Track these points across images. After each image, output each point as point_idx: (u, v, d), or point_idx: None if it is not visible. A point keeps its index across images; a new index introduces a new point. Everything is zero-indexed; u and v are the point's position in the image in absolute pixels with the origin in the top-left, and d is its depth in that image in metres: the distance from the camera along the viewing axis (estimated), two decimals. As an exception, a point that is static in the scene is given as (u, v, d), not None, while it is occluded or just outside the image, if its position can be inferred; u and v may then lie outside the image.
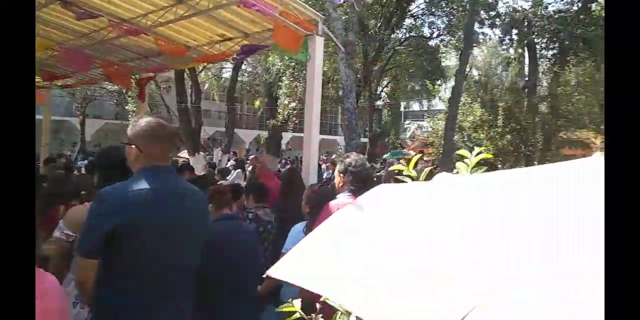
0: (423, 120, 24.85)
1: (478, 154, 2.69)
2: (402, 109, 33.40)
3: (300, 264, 1.30)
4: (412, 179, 2.76)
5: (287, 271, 1.28)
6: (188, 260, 2.24)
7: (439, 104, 24.04)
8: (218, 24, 7.07)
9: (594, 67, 14.02)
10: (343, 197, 3.27)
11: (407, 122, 35.28)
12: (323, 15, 6.77)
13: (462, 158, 2.50)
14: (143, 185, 2.08)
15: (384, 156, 20.25)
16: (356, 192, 3.17)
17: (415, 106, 33.17)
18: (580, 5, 12.88)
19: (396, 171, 2.60)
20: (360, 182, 3.35)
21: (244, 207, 4.79)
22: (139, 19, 7.30)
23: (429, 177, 2.87)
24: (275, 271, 1.28)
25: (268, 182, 5.21)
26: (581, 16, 12.46)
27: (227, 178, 10.07)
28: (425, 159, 14.98)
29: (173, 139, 2.34)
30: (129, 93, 21.28)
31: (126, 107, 25.78)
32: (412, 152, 20.41)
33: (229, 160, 16.68)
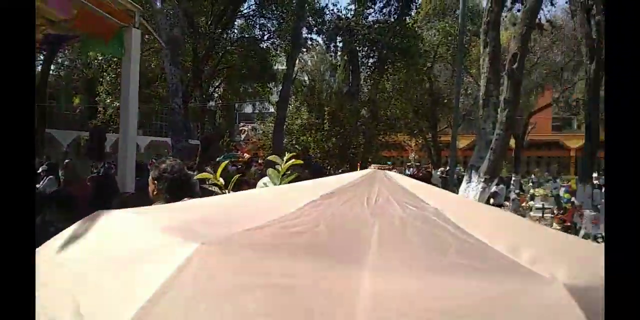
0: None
1: (288, 160, 2.63)
2: (236, 111, 33.26)
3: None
4: (220, 187, 2.59)
5: None
6: None
7: (272, 107, 24.44)
8: (15, 8, 6.09)
9: (407, 75, 15.48)
10: (158, 207, 2.97)
11: (241, 124, 35.25)
12: (149, 8, 6.27)
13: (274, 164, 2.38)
14: None
15: (217, 159, 19.88)
16: (172, 200, 2.90)
17: (250, 108, 33.33)
18: (396, 17, 14.05)
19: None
20: (177, 190, 3.08)
21: (44, 221, 4.18)
22: None
23: (237, 184, 2.71)
24: None
25: (77, 191, 4.65)
26: (397, 28, 13.61)
27: (37, 186, 8.85)
28: (260, 162, 15.01)
29: None
30: None
31: None
32: (246, 155, 20.44)
33: (41, 165, 14.79)
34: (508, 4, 11.74)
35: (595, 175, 24.42)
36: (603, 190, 12.82)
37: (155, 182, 3.16)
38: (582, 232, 9.69)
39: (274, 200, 1.29)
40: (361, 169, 12.15)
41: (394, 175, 1.41)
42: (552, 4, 16.32)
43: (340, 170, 12.02)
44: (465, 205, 1.48)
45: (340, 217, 1.05)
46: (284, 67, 20.50)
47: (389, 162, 28.50)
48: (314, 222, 1.00)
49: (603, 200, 11.36)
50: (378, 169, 1.51)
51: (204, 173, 2.54)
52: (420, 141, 24.40)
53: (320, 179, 1.53)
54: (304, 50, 18.94)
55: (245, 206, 1.28)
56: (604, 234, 9.26)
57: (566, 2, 14.00)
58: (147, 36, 11.41)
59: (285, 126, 13.98)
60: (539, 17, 11.24)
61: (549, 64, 21.94)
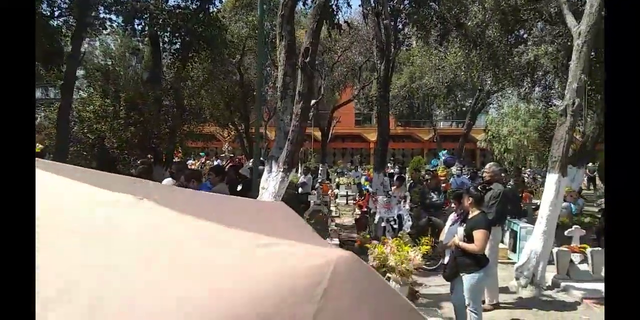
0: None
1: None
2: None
3: None
4: None
5: None
6: None
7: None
8: None
9: (214, 65, 15.22)
10: None
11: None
12: None
13: None
14: None
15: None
16: None
17: (40, 93, 29.70)
18: (198, 4, 13.64)
19: None
20: None
21: None
22: None
23: None
24: None
25: None
26: (200, 16, 13.24)
27: None
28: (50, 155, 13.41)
29: None
30: None
31: None
32: (39, 145, 18.12)
33: None
34: (309, 2, 12.30)
35: (389, 164, 27.30)
36: (395, 178, 14.15)
37: None
38: (377, 216, 10.64)
39: None
40: (166, 160, 11.44)
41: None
42: (349, 5, 17.59)
43: (139, 161, 11.34)
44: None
45: None
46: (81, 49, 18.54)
47: (202, 153, 27.98)
48: None
49: (394, 188, 12.63)
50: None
51: None
52: (232, 132, 24.42)
53: None
54: (105, 31, 17.37)
55: None
56: (395, 217, 10.32)
57: (359, 6, 15.16)
58: None
59: (76, 113, 12.65)
60: (337, 17, 11.99)
61: (349, 62, 23.69)
